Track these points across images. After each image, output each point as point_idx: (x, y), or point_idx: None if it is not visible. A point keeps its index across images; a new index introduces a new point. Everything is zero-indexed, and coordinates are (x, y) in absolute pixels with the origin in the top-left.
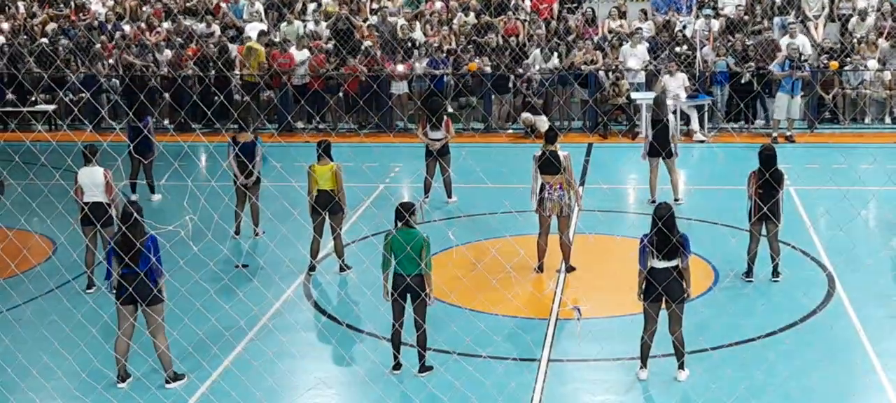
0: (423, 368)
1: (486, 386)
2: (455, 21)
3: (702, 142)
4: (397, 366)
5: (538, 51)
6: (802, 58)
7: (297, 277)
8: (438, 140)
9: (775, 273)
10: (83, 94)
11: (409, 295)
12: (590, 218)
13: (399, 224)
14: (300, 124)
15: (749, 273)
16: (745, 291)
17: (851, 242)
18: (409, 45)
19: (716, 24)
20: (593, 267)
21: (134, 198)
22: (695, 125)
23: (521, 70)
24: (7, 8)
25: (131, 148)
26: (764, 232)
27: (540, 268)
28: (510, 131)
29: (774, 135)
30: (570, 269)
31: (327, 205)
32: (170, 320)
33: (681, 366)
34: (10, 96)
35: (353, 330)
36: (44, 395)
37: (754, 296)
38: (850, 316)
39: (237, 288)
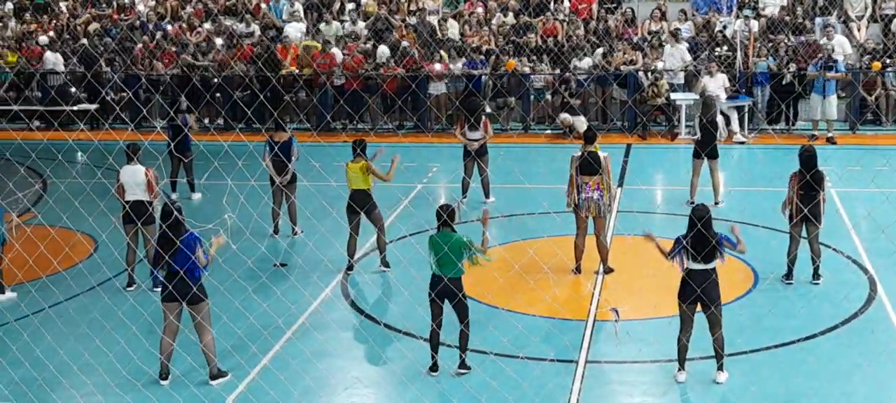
0: (463, 365)
1: (523, 387)
2: (494, 21)
3: (742, 143)
4: (434, 367)
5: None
6: (833, 59)
7: (335, 276)
8: (476, 140)
9: (816, 275)
10: (124, 93)
11: (447, 297)
12: (628, 220)
13: (439, 226)
14: (339, 124)
15: (789, 275)
16: (784, 294)
17: (893, 245)
18: (448, 45)
19: (756, 25)
20: (631, 268)
21: (174, 196)
22: (735, 126)
23: (573, 65)
24: (50, 9)
25: (172, 146)
26: (804, 233)
27: (578, 270)
28: (549, 131)
29: (815, 134)
30: (607, 271)
31: (363, 205)
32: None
33: (720, 368)
34: (54, 95)
35: (391, 330)
36: (85, 391)
37: (794, 299)
38: (892, 320)
39: (275, 286)
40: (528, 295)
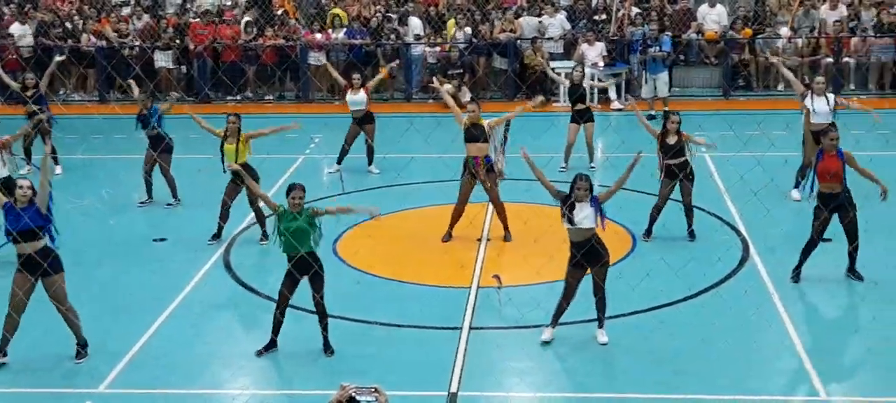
0: (327, 347)
1: (406, 355)
2: None
3: (620, 110)
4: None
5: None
6: (655, 39)
7: (215, 250)
8: (359, 105)
9: (691, 235)
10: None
11: (303, 272)
12: (508, 187)
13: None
14: (229, 97)
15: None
16: (661, 256)
17: (765, 208)
18: (330, 18)
19: None
20: (515, 235)
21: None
22: (612, 93)
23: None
24: None
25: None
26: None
27: (448, 236)
28: (431, 101)
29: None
30: (506, 237)
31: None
32: (86, 294)
33: (600, 325)
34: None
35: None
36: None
37: (671, 260)
38: (764, 279)
39: (154, 261)
40: (413, 264)
